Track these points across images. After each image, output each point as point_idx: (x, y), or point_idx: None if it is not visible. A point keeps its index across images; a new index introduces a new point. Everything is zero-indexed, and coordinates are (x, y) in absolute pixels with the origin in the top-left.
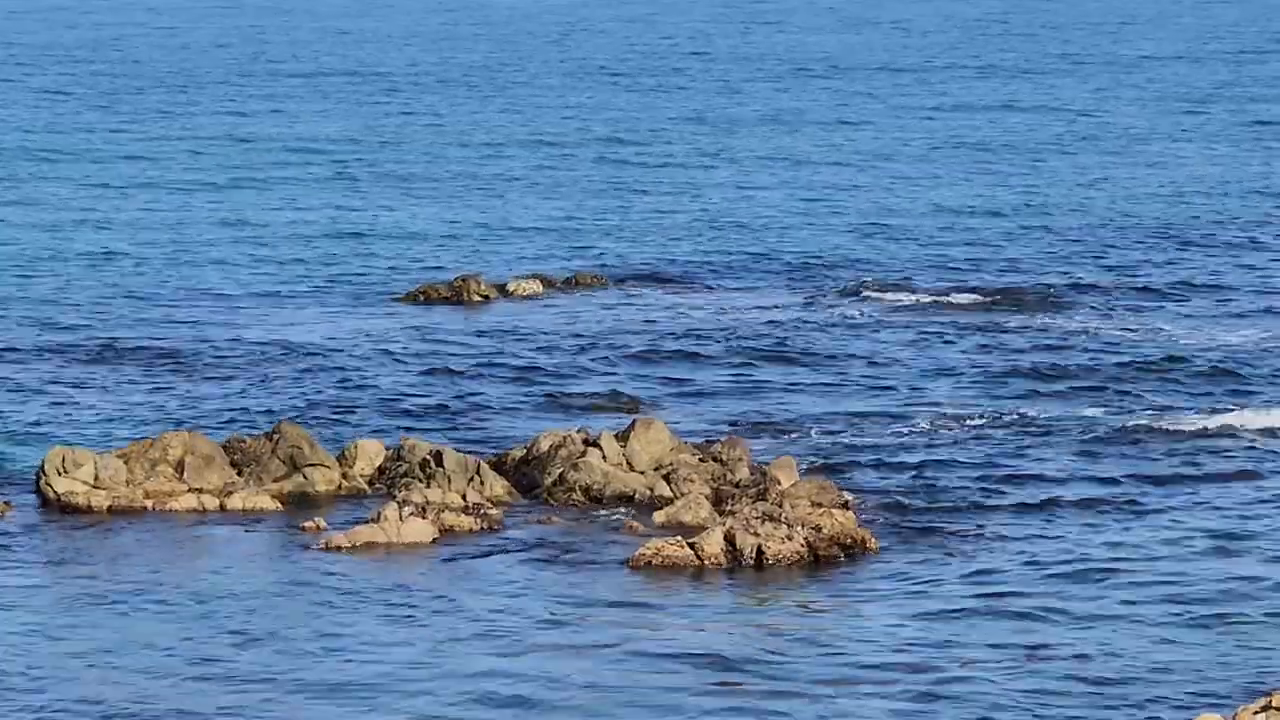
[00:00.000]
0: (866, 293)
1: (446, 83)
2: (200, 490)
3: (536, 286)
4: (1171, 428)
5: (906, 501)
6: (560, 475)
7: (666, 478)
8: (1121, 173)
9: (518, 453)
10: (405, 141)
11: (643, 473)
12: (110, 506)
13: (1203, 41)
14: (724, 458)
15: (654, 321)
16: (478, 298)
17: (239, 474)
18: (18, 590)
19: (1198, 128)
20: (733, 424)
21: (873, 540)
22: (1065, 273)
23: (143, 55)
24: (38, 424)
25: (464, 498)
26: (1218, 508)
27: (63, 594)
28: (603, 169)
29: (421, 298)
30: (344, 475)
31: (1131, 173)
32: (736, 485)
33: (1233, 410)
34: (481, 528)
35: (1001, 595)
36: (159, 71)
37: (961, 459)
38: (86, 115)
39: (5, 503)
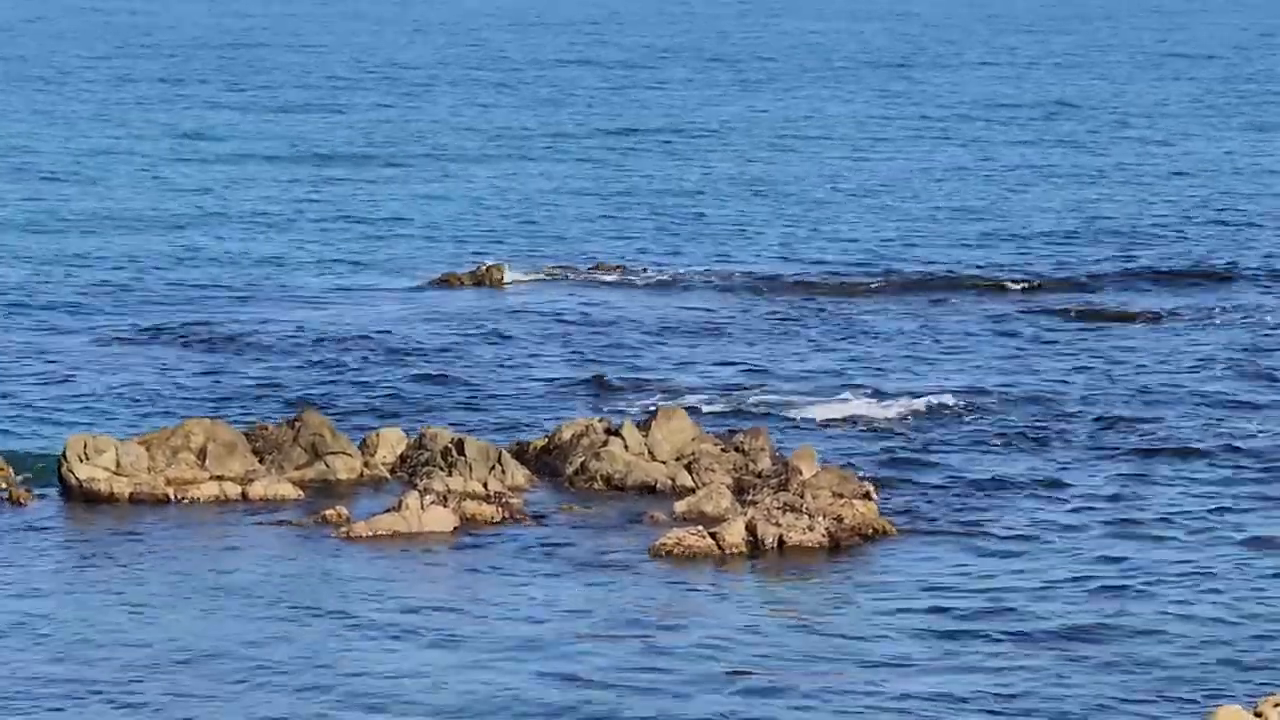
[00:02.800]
0: (896, 281)
1: (470, 76)
2: (222, 478)
3: (558, 274)
4: (1212, 429)
5: (930, 492)
6: (582, 464)
7: (688, 467)
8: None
9: (539, 441)
10: (431, 133)
11: (664, 462)
12: (132, 494)
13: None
14: (746, 448)
15: (676, 310)
16: (499, 285)
17: (260, 461)
18: (40, 578)
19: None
20: (754, 412)
21: (895, 531)
22: (1115, 266)
23: (167, 42)
24: (59, 409)
25: (485, 486)
26: (1251, 509)
27: (83, 582)
28: (627, 160)
29: (443, 285)
30: (365, 463)
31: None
32: (758, 475)
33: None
34: (502, 516)
35: (1023, 586)
36: (188, 60)
37: (990, 450)
38: (130, 107)
39: (27, 490)
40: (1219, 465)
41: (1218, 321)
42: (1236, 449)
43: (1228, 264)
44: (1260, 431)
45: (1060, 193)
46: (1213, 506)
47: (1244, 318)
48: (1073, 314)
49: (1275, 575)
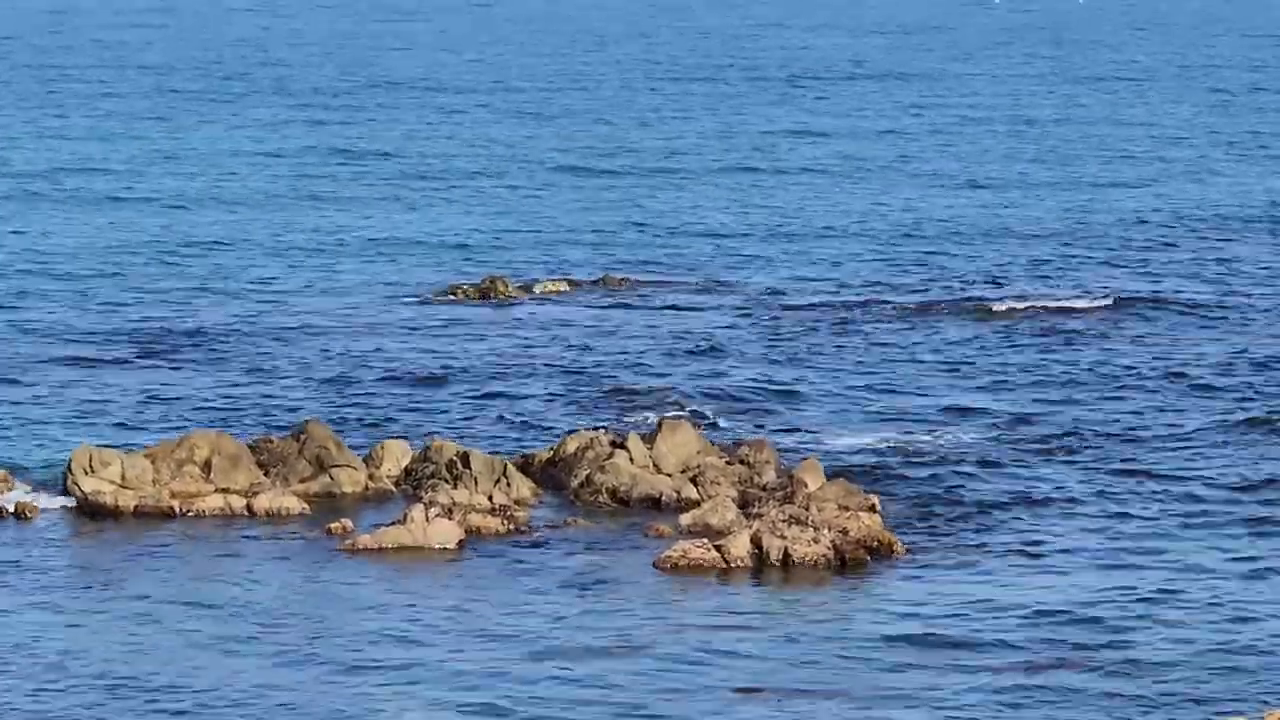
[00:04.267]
0: (901, 298)
1: (478, 90)
2: (227, 490)
3: (564, 287)
4: (1220, 451)
5: (934, 506)
6: (587, 477)
7: (694, 480)
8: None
9: (545, 454)
10: (437, 148)
11: (670, 475)
12: (137, 507)
13: None
14: (751, 460)
15: (681, 323)
16: (506, 298)
17: (265, 474)
18: (43, 590)
19: None
20: (759, 426)
21: (899, 544)
22: (1115, 282)
23: (178, 57)
24: (65, 422)
25: (490, 499)
26: (1249, 516)
27: (85, 597)
28: (633, 175)
29: (450, 298)
30: (370, 476)
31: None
32: (763, 488)
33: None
34: (508, 529)
35: (1025, 600)
36: (201, 77)
37: (994, 467)
38: (136, 121)
39: (32, 502)
40: (1224, 485)
41: (1222, 341)
42: (1240, 470)
43: (1219, 284)
44: (1264, 458)
45: (1055, 211)
46: (1215, 523)
47: (1245, 337)
48: (1077, 334)
49: (1276, 592)
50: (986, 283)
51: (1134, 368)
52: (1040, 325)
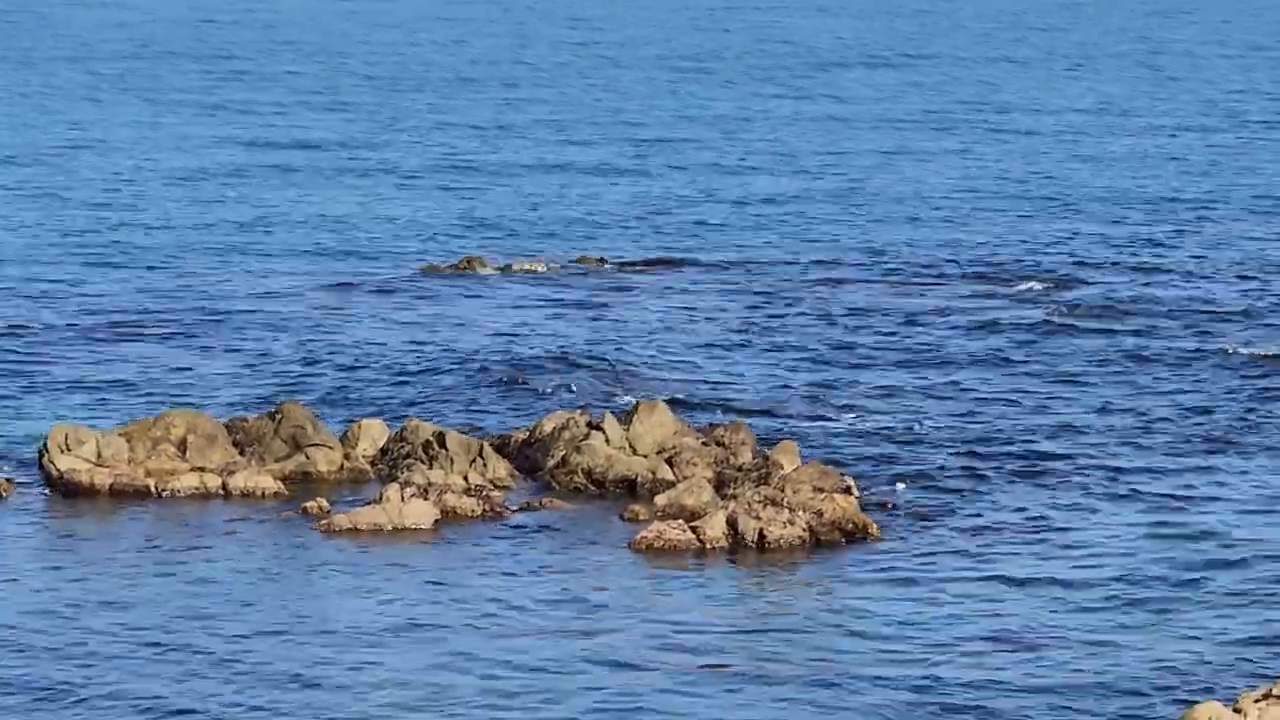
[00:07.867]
0: (879, 280)
1: (457, 72)
2: (202, 469)
3: (540, 268)
4: (1185, 419)
5: (911, 489)
6: (563, 458)
7: (669, 461)
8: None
9: (521, 435)
10: (415, 128)
11: (646, 456)
12: (112, 485)
13: None
14: (726, 441)
15: (658, 305)
16: (482, 277)
17: (241, 453)
18: (18, 569)
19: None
20: (735, 407)
21: (874, 526)
22: (1085, 258)
23: (162, 41)
24: (41, 401)
25: (466, 479)
26: (1228, 499)
27: (62, 575)
28: (611, 156)
29: (426, 277)
30: (346, 456)
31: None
32: (739, 469)
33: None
34: (483, 510)
35: (1003, 583)
36: (186, 60)
37: (969, 444)
38: (119, 105)
39: (7, 480)
40: (1207, 470)
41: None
42: (1221, 456)
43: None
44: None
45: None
46: (1197, 507)
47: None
48: (1060, 318)
49: (1260, 579)
50: (966, 265)
51: (1137, 341)
52: (1017, 309)
